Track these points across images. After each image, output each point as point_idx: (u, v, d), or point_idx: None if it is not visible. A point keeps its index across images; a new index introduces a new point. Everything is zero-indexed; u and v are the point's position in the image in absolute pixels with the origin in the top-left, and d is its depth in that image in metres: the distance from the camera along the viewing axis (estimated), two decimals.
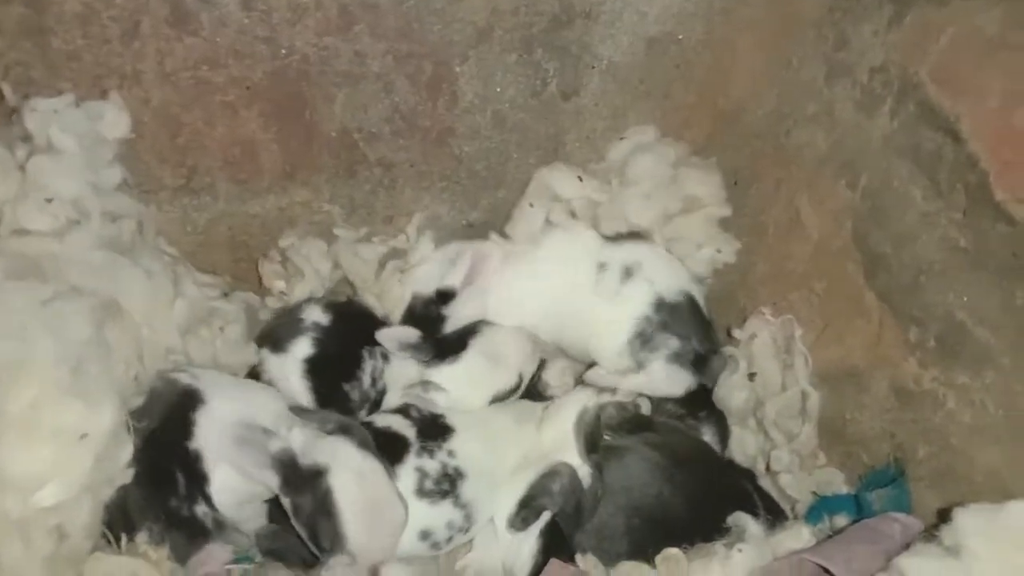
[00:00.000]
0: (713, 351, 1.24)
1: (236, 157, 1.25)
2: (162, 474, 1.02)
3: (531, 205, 1.31)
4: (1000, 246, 0.95)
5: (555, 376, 1.35)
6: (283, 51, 1.15)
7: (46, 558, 0.87)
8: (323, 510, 1.00)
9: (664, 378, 1.21)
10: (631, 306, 1.21)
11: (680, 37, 1.30)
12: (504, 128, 1.34)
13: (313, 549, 1.02)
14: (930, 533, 0.89)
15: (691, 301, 1.23)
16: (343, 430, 1.06)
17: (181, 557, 1.01)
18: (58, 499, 0.86)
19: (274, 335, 1.22)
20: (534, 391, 1.34)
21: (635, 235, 1.28)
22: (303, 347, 1.20)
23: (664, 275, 1.23)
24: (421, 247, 1.30)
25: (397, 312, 1.29)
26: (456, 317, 1.26)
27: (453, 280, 1.26)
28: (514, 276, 1.28)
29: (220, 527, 1.06)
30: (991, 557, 0.82)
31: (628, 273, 1.23)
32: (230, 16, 1.11)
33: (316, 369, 1.19)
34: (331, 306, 1.26)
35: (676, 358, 1.20)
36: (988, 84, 0.97)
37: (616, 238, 1.28)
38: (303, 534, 1.02)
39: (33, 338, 0.91)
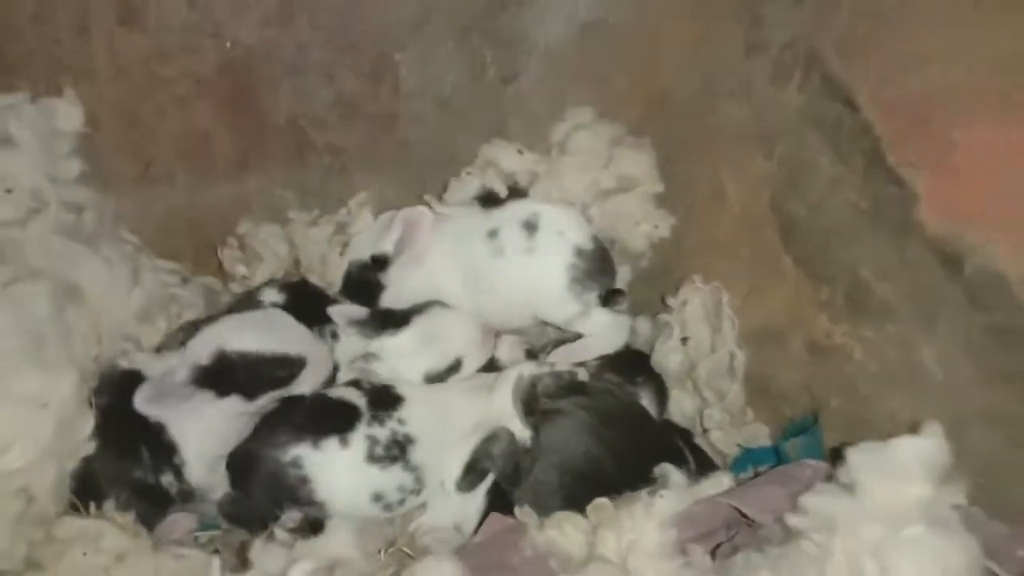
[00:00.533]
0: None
1: (190, 147, 1.32)
2: (126, 447, 1.09)
3: (468, 173, 1.38)
4: (893, 206, 1.02)
5: (505, 352, 1.40)
6: (228, 44, 1.23)
7: (14, 518, 0.95)
8: (250, 364, 1.15)
9: (609, 323, 1.27)
10: (552, 256, 1.25)
11: (611, 22, 1.37)
12: (447, 113, 1.41)
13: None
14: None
15: (600, 244, 1.30)
16: None
17: (148, 524, 1.08)
18: (22, 463, 0.93)
19: None
20: (490, 365, 1.38)
21: (516, 192, 1.33)
22: None
23: (568, 223, 1.27)
24: (362, 219, 1.36)
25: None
26: (393, 282, 1.30)
27: (385, 245, 1.30)
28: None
29: (186, 497, 1.14)
30: (879, 490, 0.89)
31: (530, 226, 1.26)
32: (176, 12, 1.19)
33: None
34: (286, 286, 1.31)
35: (611, 303, 1.27)
36: (880, 56, 1.04)
37: (495, 201, 1.32)
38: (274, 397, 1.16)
39: None
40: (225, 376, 1.12)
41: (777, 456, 1.18)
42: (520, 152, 1.36)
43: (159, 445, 1.11)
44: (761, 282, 1.26)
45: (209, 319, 1.22)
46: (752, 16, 1.26)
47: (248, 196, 1.40)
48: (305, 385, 1.18)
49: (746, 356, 1.28)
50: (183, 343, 1.16)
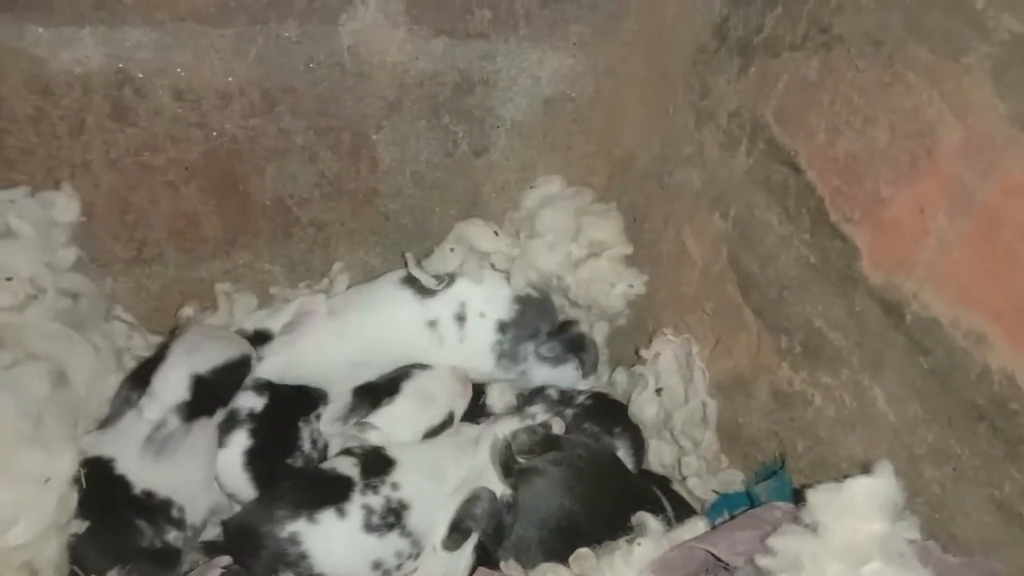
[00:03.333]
0: (569, 323, 1.43)
1: (180, 229, 1.39)
2: (123, 528, 1.11)
3: (451, 250, 1.45)
4: (838, 260, 1.10)
5: (496, 397, 1.45)
6: (214, 133, 1.30)
7: None
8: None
9: (552, 373, 1.39)
10: (479, 341, 1.37)
11: (573, 96, 1.46)
12: (424, 186, 1.49)
13: None
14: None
15: (524, 302, 1.40)
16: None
17: None
18: (27, 538, 0.97)
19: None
20: (479, 412, 1.43)
21: (447, 277, 1.40)
22: (241, 439, 1.25)
23: (487, 300, 1.39)
24: (341, 285, 1.44)
25: None
26: (265, 359, 1.32)
27: (273, 324, 1.35)
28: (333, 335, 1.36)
29: (189, 543, 1.18)
30: (839, 529, 0.94)
31: (460, 318, 1.37)
32: (164, 107, 1.26)
33: (255, 458, 1.25)
34: (265, 387, 1.31)
35: (543, 356, 1.38)
36: (814, 122, 1.12)
37: (429, 291, 1.38)
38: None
39: None
40: (209, 397, 1.19)
41: (750, 500, 1.23)
42: (496, 233, 1.43)
43: (153, 511, 1.13)
44: (727, 333, 1.33)
45: (142, 368, 1.24)
46: (701, 87, 1.36)
47: (236, 271, 1.46)
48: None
49: (717, 404, 1.35)
50: (130, 401, 1.19)
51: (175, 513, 1.15)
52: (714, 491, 1.31)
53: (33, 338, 1.16)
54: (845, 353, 1.11)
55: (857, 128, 1.05)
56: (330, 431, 1.31)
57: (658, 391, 1.40)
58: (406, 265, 1.41)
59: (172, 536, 1.14)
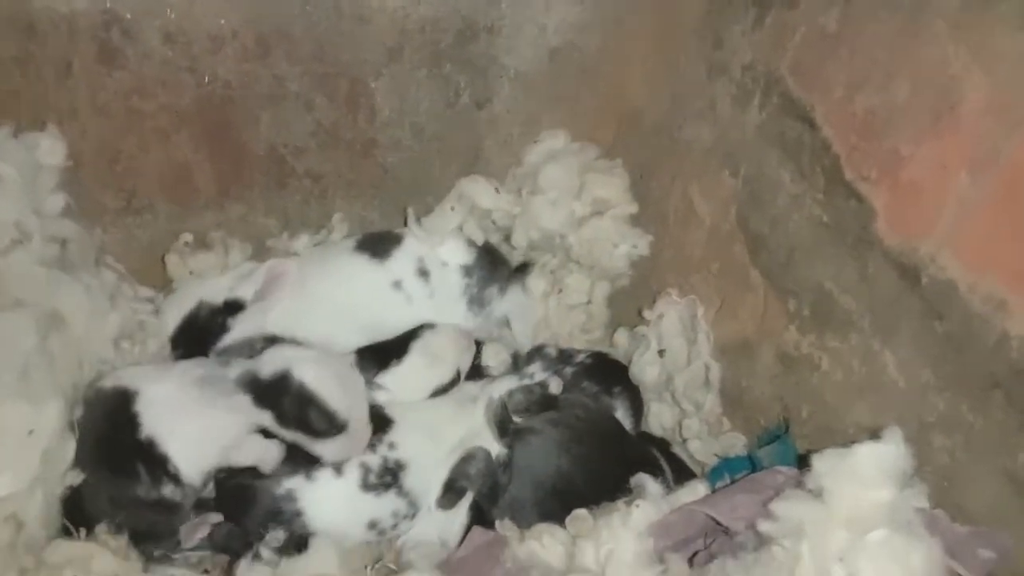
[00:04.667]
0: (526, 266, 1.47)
1: (172, 179, 1.35)
2: (122, 470, 1.10)
3: (452, 208, 1.41)
4: (852, 221, 1.06)
5: (492, 356, 1.44)
6: (206, 78, 1.26)
7: (5, 545, 0.96)
8: (303, 401, 1.13)
9: (518, 304, 1.43)
10: (449, 289, 1.39)
11: (580, 46, 1.41)
12: (424, 138, 1.45)
13: (311, 447, 1.15)
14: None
15: (476, 246, 1.42)
16: (270, 341, 1.21)
17: (162, 534, 1.12)
18: (10, 490, 0.95)
19: None
20: (475, 372, 1.41)
21: (389, 237, 1.39)
22: None
23: (446, 252, 1.40)
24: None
25: None
26: (236, 329, 1.28)
27: (244, 292, 1.30)
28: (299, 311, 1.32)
29: (188, 498, 1.15)
30: (844, 496, 0.92)
31: (423, 273, 1.38)
32: (154, 50, 1.22)
33: None
34: None
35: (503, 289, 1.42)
36: (833, 76, 1.08)
37: (378, 251, 1.37)
38: (298, 438, 1.14)
39: None
40: (274, 396, 1.14)
41: (752, 464, 1.21)
42: (497, 190, 1.41)
43: (152, 459, 1.11)
44: (732, 295, 1.30)
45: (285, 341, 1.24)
46: (714, 39, 1.30)
47: (230, 223, 1.43)
48: (329, 450, 1.16)
49: (721, 367, 1.32)
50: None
51: (171, 468, 1.12)
52: (715, 455, 1.29)
53: (18, 285, 1.12)
54: (856, 317, 1.08)
55: (877, 82, 1.00)
56: None
57: (660, 352, 1.37)
58: (406, 222, 1.39)
59: (168, 490, 1.12)
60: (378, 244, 1.38)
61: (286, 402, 1.13)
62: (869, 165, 1.03)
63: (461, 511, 1.22)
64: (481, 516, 1.20)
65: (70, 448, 1.07)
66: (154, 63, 1.23)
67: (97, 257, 1.30)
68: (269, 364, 1.14)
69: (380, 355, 1.31)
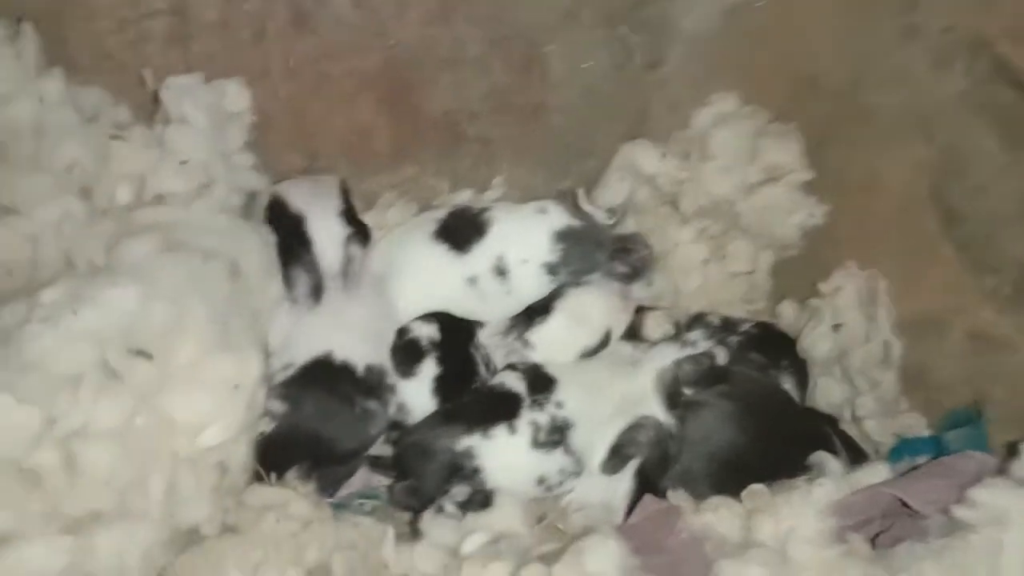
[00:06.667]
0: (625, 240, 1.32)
1: (353, 141, 1.38)
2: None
3: (621, 179, 1.40)
4: None
5: (653, 327, 1.40)
6: (391, 42, 1.28)
7: (212, 489, 1.02)
8: None
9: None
10: (528, 289, 1.29)
11: (757, 5, 1.36)
12: (592, 101, 1.42)
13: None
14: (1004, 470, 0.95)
15: (565, 236, 1.27)
16: None
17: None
18: (219, 440, 1.00)
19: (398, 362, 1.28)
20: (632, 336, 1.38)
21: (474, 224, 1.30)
22: (430, 368, 1.26)
23: (526, 247, 1.27)
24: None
25: None
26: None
27: None
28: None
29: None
30: None
31: (500, 271, 1.27)
32: (343, 15, 1.25)
33: (444, 385, 1.26)
34: (434, 317, 1.31)
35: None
36: None
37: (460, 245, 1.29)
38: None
39: (187, 302, 1.03)
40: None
41: (937, 447, 1.16)
42: (663, 156, 1.37)
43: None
44: (918, 270, 1.24)
45: None
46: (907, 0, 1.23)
47: (403, 184, 1.45)
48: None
49: (902, 345, 1.27)
50: None
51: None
52: (895, 435, 1.25)
53: (203, 234, 1.14)
54: None
55: None
56: (491, 343, 1.31)
57: (835, 327, 1.32)
58: (575, 201, 1.31)
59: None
60: (460, 232, 1.30)
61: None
62: None
63: (626, 477, 1.23)
64: (646, 484, 1.21)
65: (263, 395, 1.11)
66: (343, 27, 1.26)
67: None
68: None
69: (527, 313, 1.30)
